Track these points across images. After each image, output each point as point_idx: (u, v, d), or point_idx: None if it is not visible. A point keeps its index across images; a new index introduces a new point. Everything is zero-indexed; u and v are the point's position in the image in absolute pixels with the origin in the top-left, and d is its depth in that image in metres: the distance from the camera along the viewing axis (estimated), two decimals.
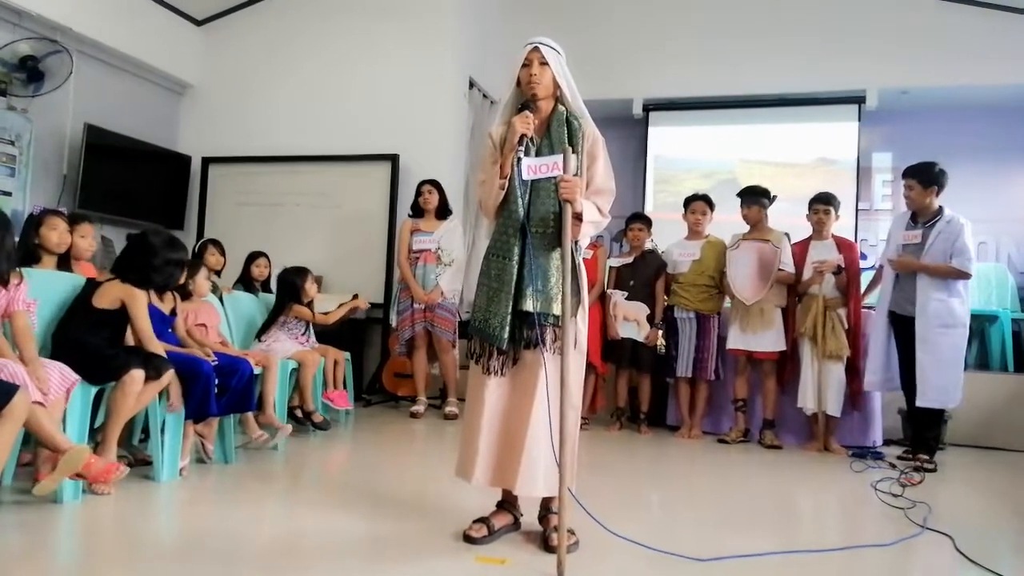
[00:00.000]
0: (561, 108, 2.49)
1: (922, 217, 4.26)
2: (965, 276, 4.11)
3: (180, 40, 6.55)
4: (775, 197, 4.85)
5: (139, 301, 2.96)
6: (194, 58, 6.68)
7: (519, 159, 2.39)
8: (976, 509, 3.45)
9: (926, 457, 4.12)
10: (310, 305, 4.54)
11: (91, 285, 3.00)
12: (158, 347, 2.98)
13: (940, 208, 4.22)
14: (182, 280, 3.43)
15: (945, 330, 4.09)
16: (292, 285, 4.41)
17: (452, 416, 5.03)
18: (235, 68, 6.69)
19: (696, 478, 3.86)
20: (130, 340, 3.04)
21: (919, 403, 4.12)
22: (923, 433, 4.22)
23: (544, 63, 2.43)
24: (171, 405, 3.03)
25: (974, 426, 4.92)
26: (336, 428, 4.62)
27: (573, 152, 2.39)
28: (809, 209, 4.73)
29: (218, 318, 3.93)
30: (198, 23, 6.70)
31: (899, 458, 4.29)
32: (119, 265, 3.05)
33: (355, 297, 5.55)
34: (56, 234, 3.29)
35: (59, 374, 2.63)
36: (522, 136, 2.38)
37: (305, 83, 6.50)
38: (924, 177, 4.20)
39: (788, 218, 5.17)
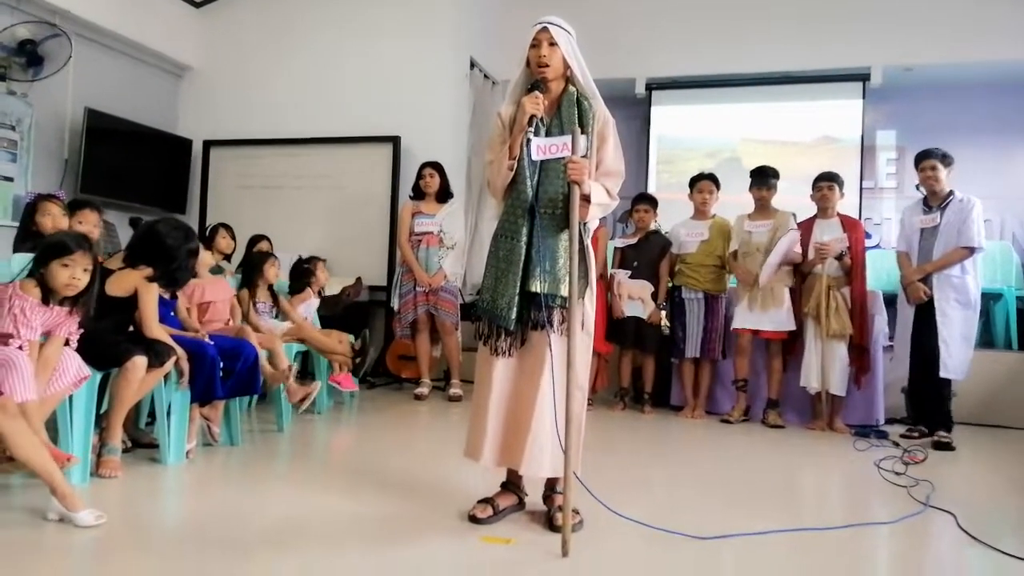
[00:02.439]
0: (572, 88, 2.46)
1: (935, 200, 4.37)
2: (971, 252, 4.21)
3: (179, 23, 6.50)
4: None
5: (151, 290, 2.97)
6: (193, 41, 6.64)
7: (528, 139, 2.37)
8: (979, 487, 3.47)
9: (944, 433, 4.16)
10: (307, 292, 4.56)
11: (102, 272, 2.99)
12: (160, 333, 2.98)
13: (951, 191, 4.33)
14: None
15: (960, 307, 4.23)
16: (249, 268, 4.39)
17: (456, 398, 5.05)
18: (235, 50, 6.64)
19: (700, 457, 3.87)
20: (163, 334, 3.03)
21: (942, 374, 4.20)
22: (939, 409, 4.26)
23: (553, 43, 2.40)
24: (180, 383, 3.04)
25: (977, 404, 4.92)
26: (341, 410, 4.64)
27: (583, 133, 2.37)
28: (813, 187, 4.72)
29: (228, 292, 3.90)
30: (197, 5, 6.65)
31: (902, 436, 4.31)
32: (134, 257, 3.03)
33: (357, 281, 5.56)
34: (49, 219, 3.28)
35: (76, 367, 2.61)
36: (532, 116, 2.36)
37: (305, 65, 6.45)
38: (943, 157, 4.33)
39: (792, 196, 5.14)
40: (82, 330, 2.63)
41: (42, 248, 2.50)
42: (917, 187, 4.65)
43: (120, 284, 2.94)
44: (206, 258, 3.80)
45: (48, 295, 2.48)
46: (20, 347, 2.42)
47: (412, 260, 5.17)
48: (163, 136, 6.41)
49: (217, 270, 4.45)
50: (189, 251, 3.09)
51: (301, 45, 6.48)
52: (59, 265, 2.45)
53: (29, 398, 2.33)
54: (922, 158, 4.39)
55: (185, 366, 3.03)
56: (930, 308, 4.26)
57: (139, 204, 6.03)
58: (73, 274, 2.46)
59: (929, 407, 4.34)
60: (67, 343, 2.59)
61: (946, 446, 4.08)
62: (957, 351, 4.20)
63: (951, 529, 2.57)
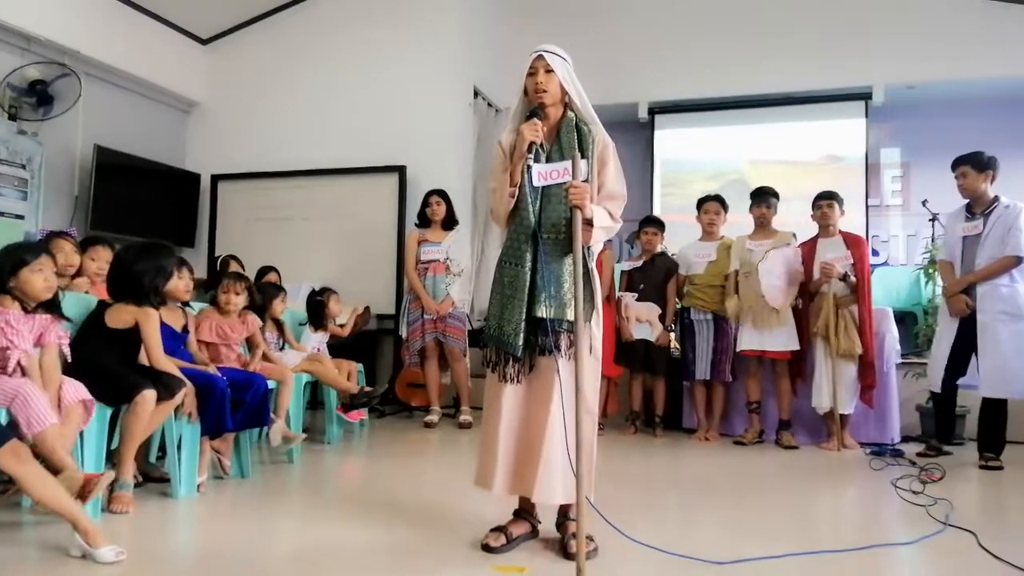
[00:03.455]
0: (570, 114, 2.49)
1: (978, 207, 4.18)
2: (1019, 261, 4.01)
3: (186, 59, 6.61)
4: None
5: (151, 320, 2.97)
6: (200, 77, 6.74)
7: (529, 166, 2.39)
8: (1000, 505, 3.42)
9: (992, 455, 4.00)
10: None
11: (103, 305, 3.02)
12: (167, 365, 2.98)
13: (996, 196, 4.15)
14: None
15: (1008, 319, 4.00)
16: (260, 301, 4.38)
17: (466, 425, 5.03)
18: (241, 85, 6.73)
19: (714, 480, 3.83)
20: (143, 358, 3.05)
21: (983, 393, 4.03)
22: (990, 430, 4.06)
23: (550, 71, 2.43)
24: (188, 416, 3.04)
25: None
26: (351, 440, 4.62)
27: (583, 157, 2.39)
28: (812, 207, 4.70)
29: (241, 333, 3.85)
30: (203, 42, 6.76)
31: (919, 455, 4.24)
32: (112, 290, 3.06)
33: (366, 310, 5.57)
34: (62, 257, 3.31)
35: (76, 390, 2.64)
36: (531, 143, 2.38)
37: (310, 97, 6.54)
38: (977, 161, 4.14)
39: (797, 216, 5.15)
40: (69, 331, 2.69)
41: (9, 266, 2.55)
42: (923, 203, 4.64)
43: (117, 317, 2.96)
44: (233, 301, 3.77)
45: (24, 305, 2.54)
46: (20, 363, 2.48)
47: (419, 288, 5.18)
48: (172, 171, 6.48)
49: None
50: (150, 267, 3.05)
51: (306, 78, 6.57)
52: (30, 273, 2.54)
53: (51, 421, 2.40)
54: (954, 165, 4.22)
55: (191, 400, 3.03)
56: (971, 321, 4.07)
57: (149, 239, 6.06)
58: (46, 276, 2.56)
59: (982, 427, 4.11)
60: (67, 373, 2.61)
61: (994, 467, 3.94)
62: (1005, 366, 3.95)
63: (972, 549, 2.52)
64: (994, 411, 4.06)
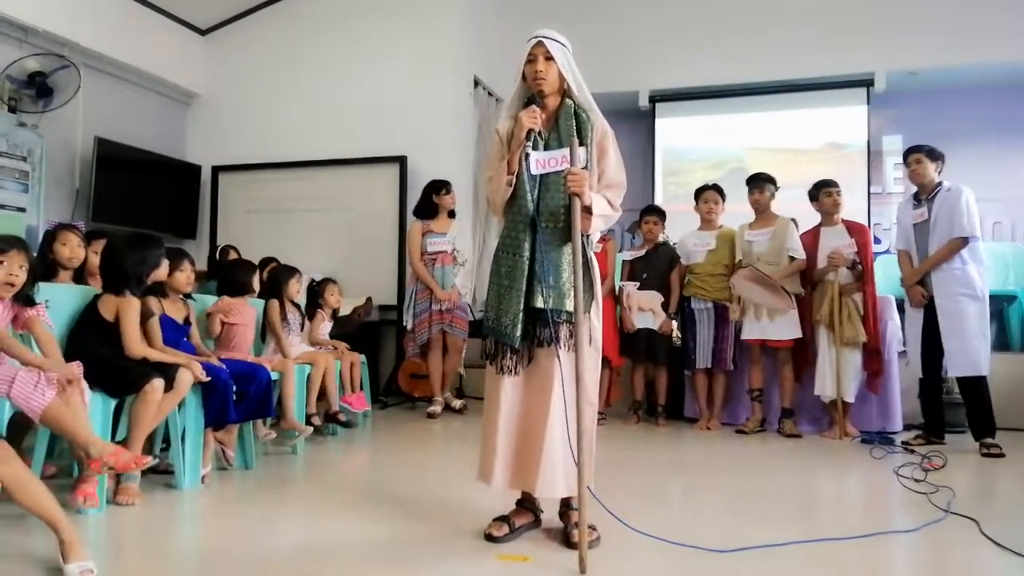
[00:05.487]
0: (569, 101, 2.45)
1: (924, 193, 4.28)
2: (965, 242, 4.09)
3: (185, 50, 6.59)
4: (778, 187, 4.83)
5: (129, 308, 2.96)
6: (200, 68, 6.72)
7: (527, 154, 2.37)
8: (1000, 492, 3.43)
9: (989, 440, 4.02)
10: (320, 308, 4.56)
11: (97, 297, 3.02)
12: (141, 351, 2.96)
13: (940, 182, 4.25)
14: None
15: (968, 300, 4.08)
16: (275, 282, 4.33)
17: (432, 415, 5.06)
18: (240, 76, 6.72)
19: (716, 469, 3.84)
20: (145, 351, 3.04)
21: (951, 373, 4.11)
22: (975, 411, 4.10)
23: (549, 58, 2.40)
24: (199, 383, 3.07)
25: (995, 407, 4.85)
26: (354, 430, 4.63)
27: (581, 145, 2.36)
28: (818, 196, 4.67)
29: (252, 317, 3.90)
30: (202, 32, 6.73)
31: (904, 443, 4.22)
32: (103, 281, 3.07)
33: (367, 301, 5.57)
34: (67, 249, 3.32)
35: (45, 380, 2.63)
36: (529, 131, 2.36)
37: (310, 88, 6.52)
38: (931, 151, 4.26)
39: (799, 204, 5.13)
40: (47, 300, 2.68)
41: None
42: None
43: (108, 308, 2.97)
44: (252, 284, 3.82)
45: None
46: None
47: (429, 279, 5.17)
48: (172, 163, 6.47)
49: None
50: (140, 258, 3.05)
51: (306, 69, 6.55)
52: None
53: (50, 397, 2.37)
54: (908, 153, 4.35)
55: (198, 374, 3.03)
56: (933, 308, 4.15)
57: (150, 231, 6.06)
58: (10, 271, 2.51)
59: (967, 410, 4.16)
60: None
61: (995, 454, 3.94)
62: (973, 346, 4.02)
63: (974, 536, 2.53)
64: (972, 391, 4.11)
